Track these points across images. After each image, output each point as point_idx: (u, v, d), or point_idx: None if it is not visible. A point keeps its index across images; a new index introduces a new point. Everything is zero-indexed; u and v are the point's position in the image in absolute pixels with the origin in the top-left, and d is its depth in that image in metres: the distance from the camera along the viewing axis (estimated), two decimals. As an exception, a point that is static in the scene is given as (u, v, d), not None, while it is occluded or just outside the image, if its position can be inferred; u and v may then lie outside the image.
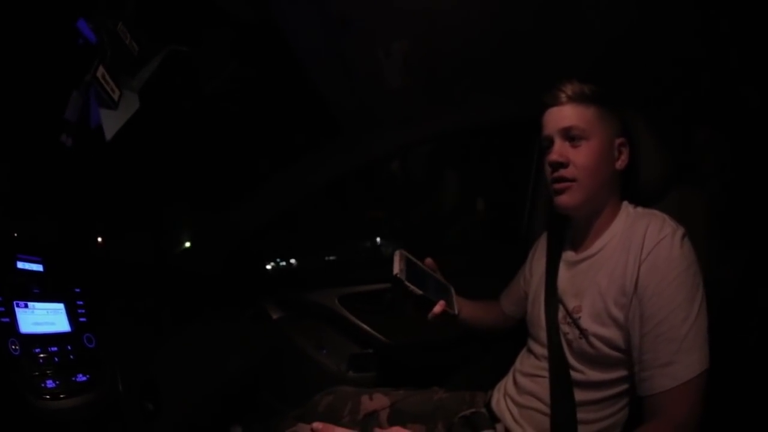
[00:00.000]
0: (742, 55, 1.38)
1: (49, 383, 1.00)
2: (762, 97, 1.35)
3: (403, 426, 1.34)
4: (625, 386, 1.14)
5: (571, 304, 1.22)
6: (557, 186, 1.21)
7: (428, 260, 1.40)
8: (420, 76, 1.52)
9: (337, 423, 1.39)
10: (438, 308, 1.29)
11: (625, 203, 1.26)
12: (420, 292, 1.22)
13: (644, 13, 1.30)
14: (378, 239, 3.83)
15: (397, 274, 1.18)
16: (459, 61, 1.51)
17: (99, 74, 1.04)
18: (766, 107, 1.34)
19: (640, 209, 1.23)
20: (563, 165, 1.19)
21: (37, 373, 0.99)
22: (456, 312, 1.35)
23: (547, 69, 1.45)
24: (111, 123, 1.12)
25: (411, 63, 1.42)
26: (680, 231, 1.08)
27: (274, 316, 2.26)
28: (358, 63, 1.41)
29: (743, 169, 1.42)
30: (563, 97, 1.20)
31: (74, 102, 1.05)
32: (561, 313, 1.26)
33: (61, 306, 1.14)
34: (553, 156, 1.20)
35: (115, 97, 1.09)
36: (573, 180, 1.19)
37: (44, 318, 1.08)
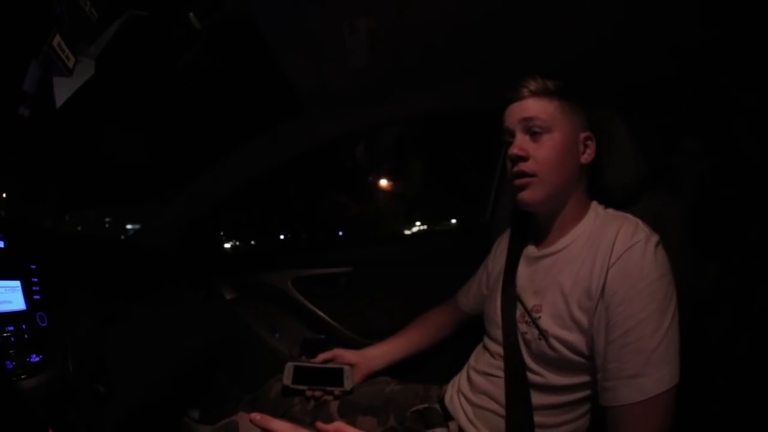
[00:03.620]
0: (733, 66, 1.38)
1: (8, 364, 0.96)
2: (752, 107, 1.35)
3: (354, 418, 1.33)
4: (587, 392, 1.11)
5: (531, 302, 1.20)
6: (518, 182, 1.19)
7: (320, 356, 1.56)
8: (387, 56, 1.48)
9: (288, 410, 1.39)
10: (318, 393, 1.43)
11: (595, 203, 1.24)
12: (304, 387, 1.44)
13: (634, 13, 1.28)
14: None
15: (285, 384, 1.44)
16: (429, 43, 1.47)
17: (55, 43, 1.01)
18: (754, 118, 1.34)
19: (611, 211, 1.21)
20: (523, 159, 1.17)
21: None
22: (347, 388, 1.44)
23: (525, 59, 1.45)
24: (63, 90, 1.08)
25: (377, 41, 1.37)
26: (654, 238, 1.06)
27: (228, 297, 2.21)
28: (322, 38, 1.36)
29: (723, 180, 1.42)
30: (525, 92, 1.19)
31: (32, 73, 1.02)
32: (519, 311, 1.23)
33: (17, 284, 1.10)
34: (514, 150, 1.18)
35: (70, 64, 1.05)
36: (533, 175, 1.16)
37: (2, 296, 1.05)
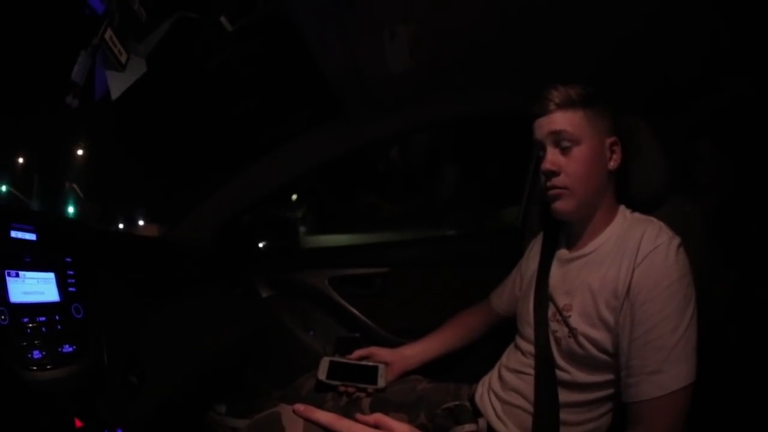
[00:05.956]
0: (749, 71, 1.37)
1: (36, 354, 0.99)
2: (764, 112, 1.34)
3: (386, 414, 1.35)
4: (611, 390, 1.14)
5: (562, 301, 1.22)
6: (551, 193, 1.23)
7: (355, 353, 1.59)
8: (425, 61, 1.50)
9: (320, 406, 1.39)
10: (352, 389, 1.46)
11: (622, 207, 1.26)
12: (338, 383, 1.46)
13: (655, 20, 1.29)
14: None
15: (320, 378, 1.46)
16: (466, 49, 1.49)
17: (107, 36, 1.02)
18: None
19: (637, 214, 1.24)
20: (555, 174, 1.20)
21: (24, 344, 0.98)
22: (380, 386, 1.46)
23: (555, 63, 1.46)
24: (117, 85, 1.10)
25: (416, 47, 1.40)
26: (676, 240, 1.09)
27: (264, 295, 2.25)
28: (362, 43, 1.38)
29: (742, 186, 1.41)
30: (551, 105, 1.20)
31: (82, 63, 1.03)
32: (551, 311, 1.26)
33: (51, 275, 1.13)
34: (546, 165, 1.21)
35: (123, 60, 1.08)
36: (565, 188, 1.20)
37: (34, 287, 1.08)
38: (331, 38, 1.36)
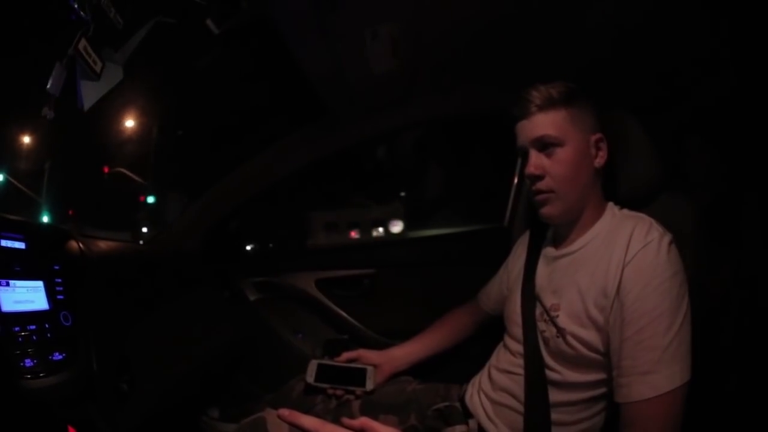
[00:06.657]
0: (739, 67, 1.37)
1: (28, 362, 0.99)
2: (755, 108, 1.34)
3: (376, 416, 1.35)
4: (602, 390, 1.12)
5: (549, 301, 1.21)
6: (537, 198, 1.21)
7: (343, 356, 1.58)
8: (408, 61, 1.50)
9: (310, 410, 1.40)
10: (340, 392, 1.46)
11: (611, 204, 1.24)
12: (327, 386, 1.46)
13: (646, 17, 1.28)
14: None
15: (308, 381, 1.47)
16: (449, 48, 1.49)
17: (81, 47, 1.03)
18: (758, 119, 1.33)
19: (626, 211, 1.22)
20: (540, 177, 1.18)
21: (18, 352, 0.99)
22: (368, 389, 1.46)
23: (542, 61, 1.45)
24: (91, 94, 1.11)
25: (398, 47, 1.39)
26: (667, 237, 1.07)
27: (252, 298, 2.24)
28: (344, 44, 1.38)
29: (734, 181, 1.41)
30: (532, 107, 1.18)
31: (57, 75, 1.04)
32: (538, 310, 1.25)
33: (40, 284, 1.13)
34: (530, 169, 1.19)
35: (97, 69, 1.08)
36: (551, 191, 1.18)
37: (24, 296, 1.08)
38: (314, 39, 1.35)
